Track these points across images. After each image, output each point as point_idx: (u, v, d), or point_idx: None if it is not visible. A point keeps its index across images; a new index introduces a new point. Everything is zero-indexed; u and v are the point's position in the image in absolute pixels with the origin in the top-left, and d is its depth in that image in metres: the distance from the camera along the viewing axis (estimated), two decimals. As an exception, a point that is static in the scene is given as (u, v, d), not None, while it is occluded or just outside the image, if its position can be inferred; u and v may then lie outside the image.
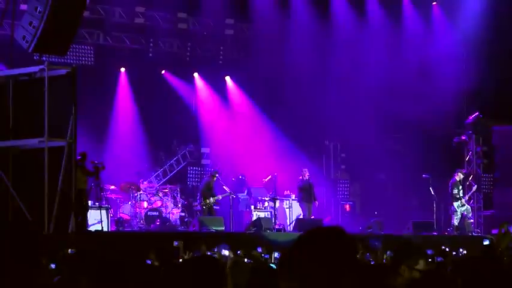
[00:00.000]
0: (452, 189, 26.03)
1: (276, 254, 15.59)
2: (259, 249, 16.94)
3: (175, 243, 15.31)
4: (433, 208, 26.26)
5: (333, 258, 3.14)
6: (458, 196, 25.98)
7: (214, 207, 25.50)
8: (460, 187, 26.21)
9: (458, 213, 26.00)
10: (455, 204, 25.96)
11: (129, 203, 25.37)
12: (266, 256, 15.73)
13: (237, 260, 11.12)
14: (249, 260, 13.41)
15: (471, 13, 28.98)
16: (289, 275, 3.18)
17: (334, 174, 31.62)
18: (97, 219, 21.54)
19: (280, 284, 3.23)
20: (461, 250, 18.76)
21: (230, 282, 6.36)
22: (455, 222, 26.01)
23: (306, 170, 26.38)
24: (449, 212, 26.54)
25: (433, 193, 26.28)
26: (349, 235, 3.27)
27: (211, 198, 25.01)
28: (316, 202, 26.18)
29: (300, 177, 26.22)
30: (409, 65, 29.23)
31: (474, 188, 27.55)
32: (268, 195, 26.92)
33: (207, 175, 26.49)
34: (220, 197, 25.29)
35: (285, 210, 27.35)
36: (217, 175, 25.59)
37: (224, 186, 25.71)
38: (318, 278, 3.12)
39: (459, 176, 26.19)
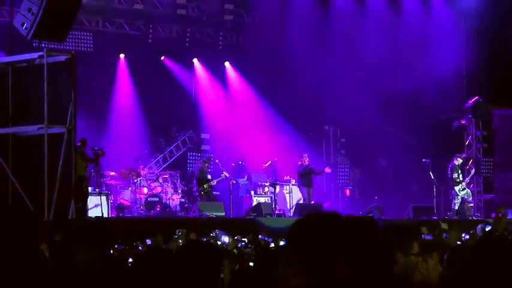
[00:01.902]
0: (452, 173, 26.04)
1: (282, 242, 15.51)
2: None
3: (177, 232, 15.28)
4: (433, 193, 26.28)
5: (328, 244, 3.15)
6: (458, 180, 25.99)
7: (214, 192, 25.55)
8: (460, 171, 26.20)
9: (459, 197, 26.02)
10: (457, 188, 25.95)
11: (129, 189, 25.40)
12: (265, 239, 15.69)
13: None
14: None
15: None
16: (286, 262, 3.19)
17: (334, 159, 31.61)
18: (96, 205, 21.59)
19: (279, 270, 3.24)
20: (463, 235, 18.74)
21: (227, 268, 6.38)
22: (456, 206, 26.03)
23: (306, 155, 26.33)
24: (450, 197, 26.52)
25: (433, 178, 26.28)
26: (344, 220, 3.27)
27: (207, 184, 25.06)
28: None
29: (300, 163, 26.20)
30: (408, 50, 29.15)
31: (473, 171, 27.49)
32: (268, 180, 26.93)
33: (200, 161, 26.52)
34: (215, 181, 25.35)
35: (285, 196, 27.34)
36: (211, 161, 25.63)
37: (224, 172, 25.75)
38: (313, 265, 3.13)
39: (458, 161, 26.20)
